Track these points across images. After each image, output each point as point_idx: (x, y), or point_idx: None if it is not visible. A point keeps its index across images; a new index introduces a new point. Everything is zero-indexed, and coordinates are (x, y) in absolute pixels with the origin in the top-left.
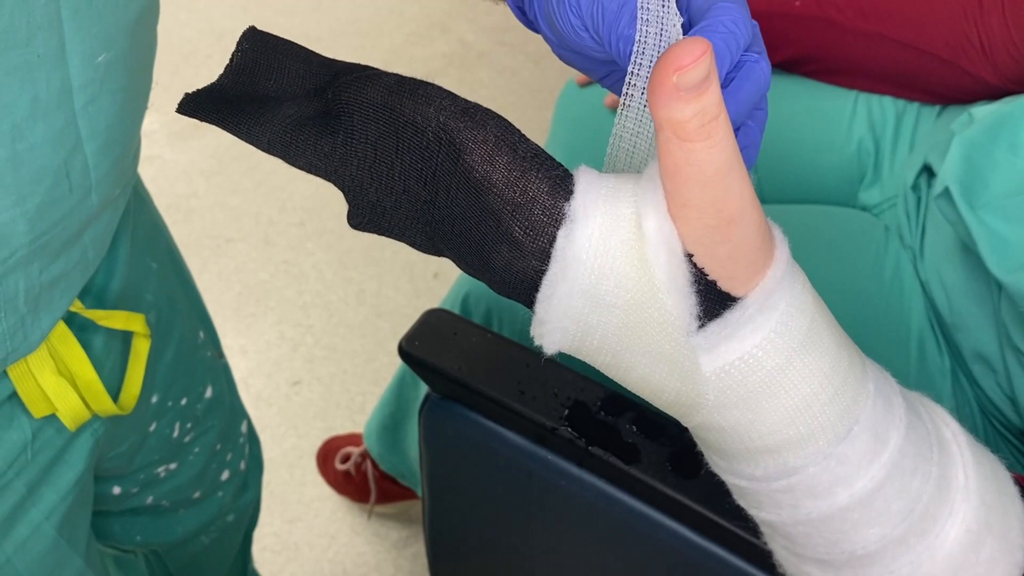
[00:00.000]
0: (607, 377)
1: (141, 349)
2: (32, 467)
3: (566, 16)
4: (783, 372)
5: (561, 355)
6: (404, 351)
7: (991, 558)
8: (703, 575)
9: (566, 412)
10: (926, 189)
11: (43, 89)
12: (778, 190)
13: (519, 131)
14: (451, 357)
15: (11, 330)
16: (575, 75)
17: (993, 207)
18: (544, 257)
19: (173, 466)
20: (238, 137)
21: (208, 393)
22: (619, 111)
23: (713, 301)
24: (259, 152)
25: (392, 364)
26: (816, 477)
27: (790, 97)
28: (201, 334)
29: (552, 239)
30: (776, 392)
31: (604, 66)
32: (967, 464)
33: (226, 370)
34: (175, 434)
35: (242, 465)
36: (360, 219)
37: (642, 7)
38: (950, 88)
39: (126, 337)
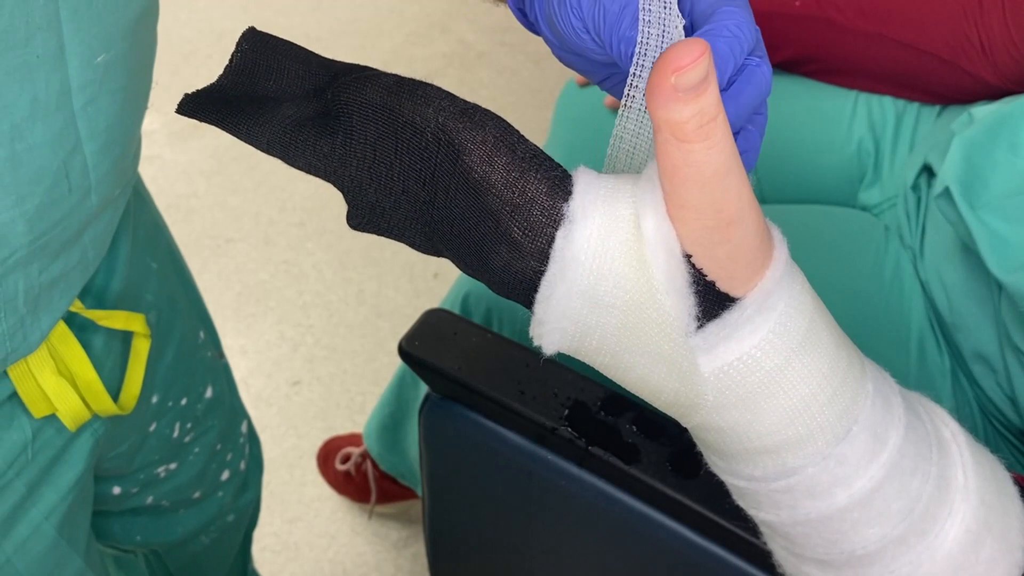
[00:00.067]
0: (607, 377)
1: (141, 349)
2: (32, 467)
3: (567, 18)
4: (782, 373)
5: (561, 355)
6: (404, 351)
7: (991, 558)
8: (703, 575)
9: (566, 412)
10: (926, 189)
11: (42, 90)
12: (778, 190)
13: (518, 132)
14: (451, 357)
15: (11, 330)
16: (575, 75)
17: (993, 207)
18: (543, 258)
19: (173, 466)
20: (237, 138)
21: (208, 393)
22: (620, 112)
23: (712, 302)
24: (259, 152)
25: (392, 364)
26: (815, 477)
27: (790, 97)
28: (201, 334)
29: (551, 240)
30: (775, 393)
31: (604, 68)
32: (966, 464)
33: (226, 370)
34: (175, 434)
35: (242, 465)
36: (359, 219)
37: (644, 8)
38: (950, 88)
39: (126, 337)
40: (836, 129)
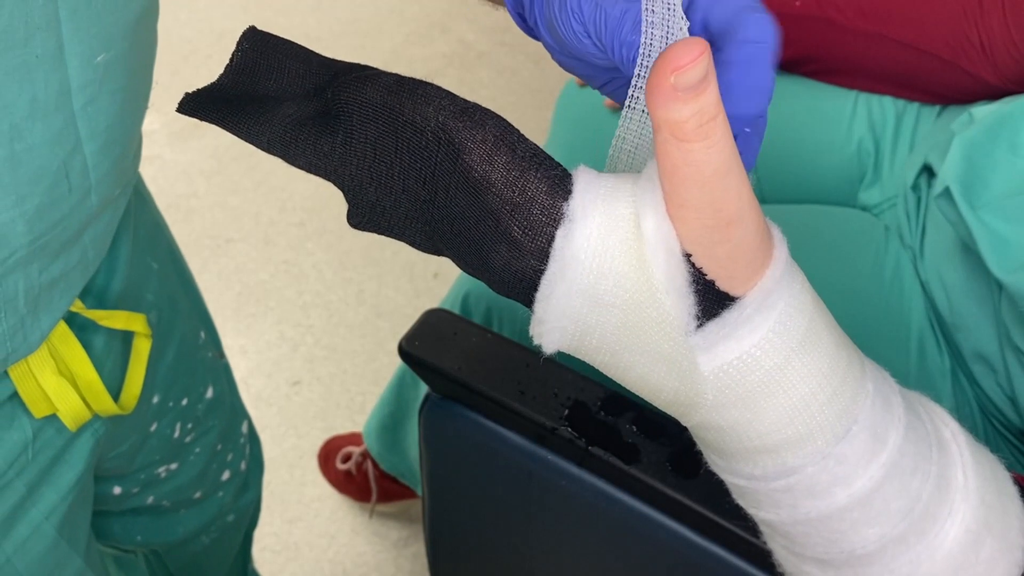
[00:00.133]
0: (607, 377)
1: (142, 349)
2: (32, 467)
3: (568, 22)
4: (781, 372)
5: (561, 355)
6: (404, 351)
7: (991, 558)
8: (703, 575)
9: (566, 412)
10: (926, 189)
11: (42, 90)
12: (778, 190)
13: (518, 131)
14: (451, 357)
15: (11, 331)
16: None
17: (993, 207)
18: (543, 257)
19: (174, 466)
20: (238, 137)
21: (209, 393)
22: (624, 113)
23: (711, 301)
24: (259, 152)
25: (392, 364)
26: (815, 477)
27: (790, 97)
28: (202, 334)
29: (551, 239)
30: (774, 392)
31: (604, 73)
32: (966, 464)
33: (227, 370)
34: (176, 434)
35: (243, 465)
36: (360, 218)
37: (647, 9)
38: (950, 88)
39: (127, 337)
40: (836, 129)
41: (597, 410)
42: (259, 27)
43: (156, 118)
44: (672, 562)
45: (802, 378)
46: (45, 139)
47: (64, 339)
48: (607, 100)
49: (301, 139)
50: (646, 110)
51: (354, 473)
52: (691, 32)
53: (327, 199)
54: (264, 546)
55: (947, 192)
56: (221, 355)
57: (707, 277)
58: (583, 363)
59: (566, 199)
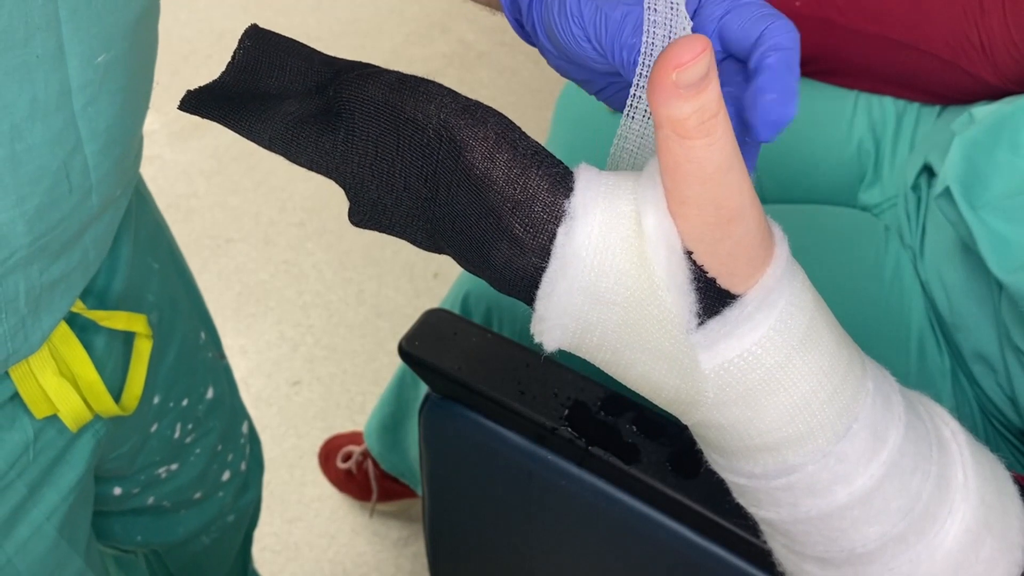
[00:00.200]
0: (607, 377)
1: (143, 350)
2: (34, 468)
3: (567, 26)
4: (782, 370)
5: (561, 354)
6: (404, 351)
7: (990, 557)
8: (703, 575)
9: (566, 412)
10: (926, 189)
11: (42, 90)
12: (778, 190)
13: (519, 129)
14: (451, 357)
15: (12, 331)
16: None
17: (994, 207)
18: (544, 254)
19: (174, 467)
20: (239, 134)
21: (209, 394)
22: (625, 112)
23: (712, 298)
24: (259, 152)
25: (392, 364)
26: (815, 475)
27: None
28: (202, 335)
29: (552, 236)
30: (775, 390)
31: (602, 78)
32: (966, 463)
33: (227, 371)
34: (176, 435)
35: (243, 466)
36: (361, 216)
37: (650, 8)
38: (950, 88)
39: (127, 338)
40: (836, 129)
41: (597, 410)
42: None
43: (156, 118)
44: (672, 562)
45: (803, 376)
46: (45, 139)
47: (65, 340)
48: None
49: (303, 137)
50: (648, 110)
51: (354, 472)
52: None
53: (327, 199)
54: (264, 546)
55: (947, 192)
56: (221, 356)
57: (708, 274)
58: (583, 363)
59: (567, 196)
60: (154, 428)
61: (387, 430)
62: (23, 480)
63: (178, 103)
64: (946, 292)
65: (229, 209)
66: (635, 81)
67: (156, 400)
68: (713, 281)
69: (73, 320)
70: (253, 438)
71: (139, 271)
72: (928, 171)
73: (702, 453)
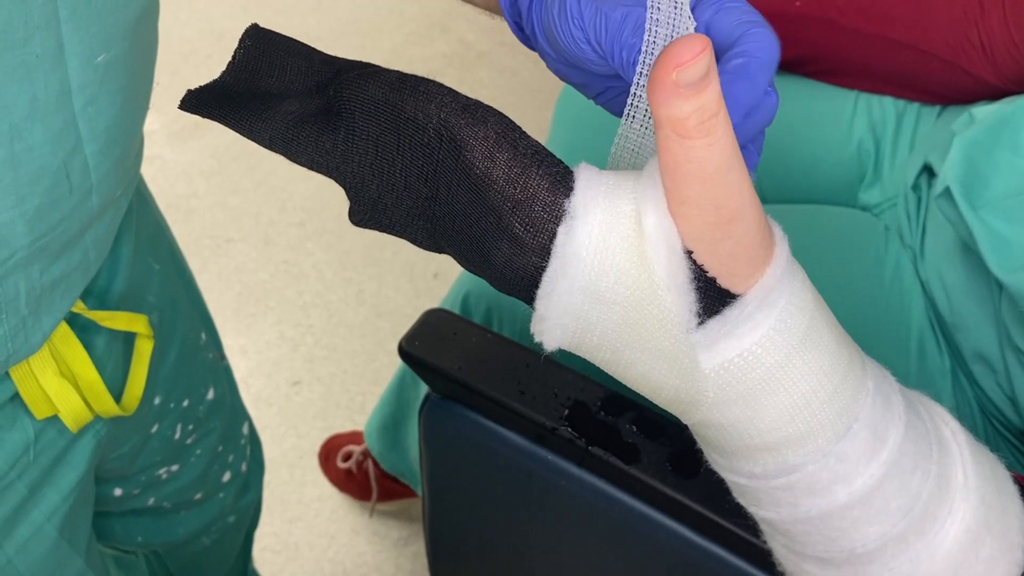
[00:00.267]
0: (607, 377)
1: (144, 350)
2: (34, 468)
3: (567, 28)
4: (782, 369)
5: (561, 354)
6: (404, 351)
7: (990, 557)
8: (703, 575)
9: (566, 412)
10: (926, 189)
11: (41, 90)
12: (778, 190)
13: (519, 128)
14: (451, 357)
15: (12, 332)
16: None
17: (994, 207)
18: (544, 253)
19: (175, 468)
20: (240, 133)
21: (210, 395)
22: (626, 112)
23: (713, 298)
24: (259, 152)
25: (392, 364)
26: (815, 475)
27: (790, 97)
28: (203, 335)
29: (552, 235)
30: (775, 389)
31: (601, 82)
32: (966, 463)
33: (228, 372)
34: (177, 436)
35: (243, 467)
36: (361, 216)
37: (652, 7)
38: (951, 88)
39: (128, 338)
40: (836, 129)
41: (597, 410)
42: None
43: (156, 118)
44: (672, 562)
45: (803, 376)
46: (45, 139)
47: (66, 340)
48: None
49: (303, 136)
50: (648, 110)
51: (354, 472)
52: None
53: (327, 199)
54: (264, 546)
55: (947, 192)
56: (222, 356)
57: (708, 274)
58: (583, 363)
59: (568, 196)
60: (155, 429)
61: (387, 430)
62: (24, 480)
63: (178, 103)
64: (946, 292)
65: (229, 209)
66: (635, 80)
67: (157, 401)
68: (713, 281)
69: (74, 320)
70: (254, 439)
71: (140, 272)
72: (928, 171)
73: (702, 453)
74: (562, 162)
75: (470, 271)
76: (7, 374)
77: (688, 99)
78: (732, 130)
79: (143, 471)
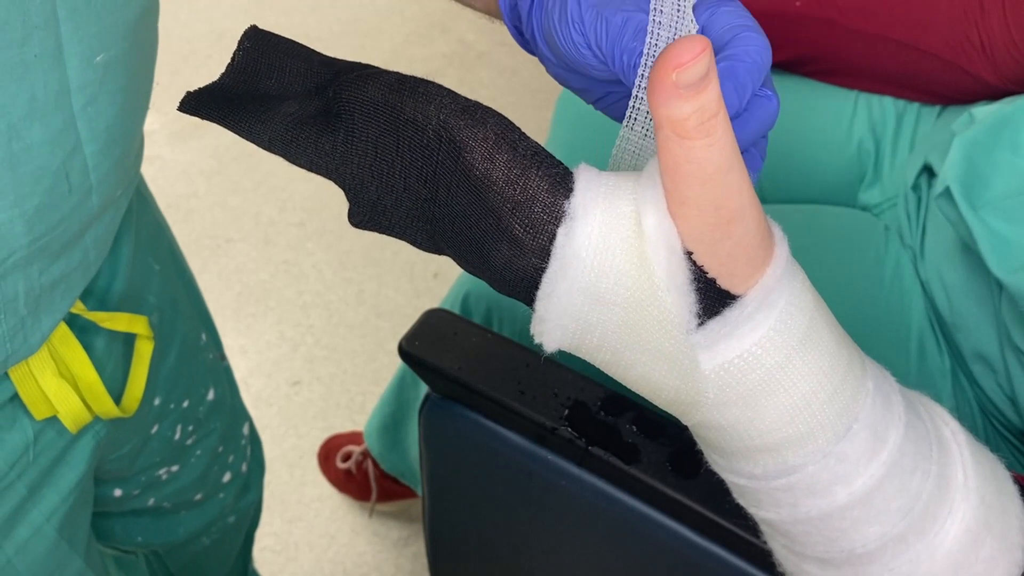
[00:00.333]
0: (607, 377)
1: (144, 351)
2: (33, 468)
3: (568, 33)
4: (782, 370)
5: (561, 354)
6: (404, 351)
7: (990, 557)
8: (703, 575)
9: (566, 412)
10: (926, 189)
11: (40, 89)
12: (778, 190)
13: (519, 129)
14: (451, 357)
15: (11, 332)
16: None
17: (994, 207)
18: (544, 255)
19: (175, 468)
20: (239, 135)
21: (210, 395)
22: (628, 114)
23: (712, 299)
24: (259, 152)
25: (392, 364)
26: (815, 475)
27: (790, 97)
28: (203, 336)
29: (552, 237)
30: (775, 390)
31: (601, 87)
32: (966, 463)
33: (228, 372)
34: (177, 436)
35: (244, 467)
36: (361, 217)
37: (655, 9)
38: (951, 88)
39: (128, 339)
40: (836, 129)
41: (597, 410)
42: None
43: (156, 118)
44: (672, 562)
45: (803, 376)
46: (44, 139)
47: (65, 341)
48: None
49: (302, 138)
50: (649, 113)
51: (354, 472)
52: None
53: (327, 199)
54: (264, 546)
55: (947, 192)
56: (222, 357)
57: (708, 275)
58: (583, 363)
59: (567, 197)
60: (155, 430)
61: (387, 430)
62: (23, 481)
63: (177, 105)
64: (946, 292)
65: (229, 209)
66: (636, 82)
67: (157, 402)
68: (713, 281)
69: (73, 321)
70: (254, 439)
71: (140, 272)
72: (928, 171)
73: (702, 453)
74: (562, 163)
75: (470, 272)
76: (6, 375)
77: (688, 100)
78: (732, 131)
79: (143, 472)
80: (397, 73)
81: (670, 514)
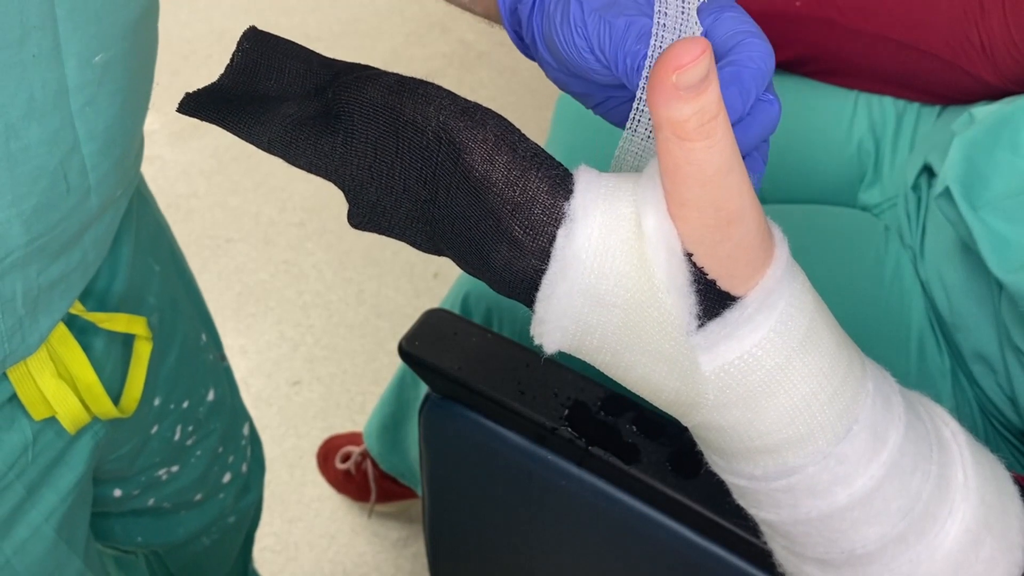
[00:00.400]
0: (607, 377)
1: (143, 352)
2: (32, 469)
3: (570, 37)
4: (782, 371)
5: (561, 355)
6: (404, 351)
7: (990, 557)
8: (703, 575)
9: (566, 412)
10: (926, 189)
11: (38, 89)
12: (778, 190)
13: (519, 130)
14: (451, 357)
15: (9, 332)
16: None
17: (994, 207)
18: (544, 256)
19: (175, 469)
20: (238, 136)
21: (210, 396)
22: (631, 116)
23: (713, 300)
24: (259, 152)
25: (392, 364)
26: (815, 476)
27: (790, 97)
28: (203, 336)
29: (552, 238)
30: (775, 391)
31: (601, 91)
32: (966, 463)
33: (228, 372)
34: (177, 437)
35: (244, 467)
36: (360, 218)
37: (659, 12)
38: (950, 88)
39: (127, 340)
40: (836, 129)
41: (597, 410)
42: (259, 27)
43: (156, 118)
44: (672, 562)
45: (803, 378)
46: (42, 139)
47: (63, 341)
48: None
49: (302, 139)
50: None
51: (353, 473)
52: None
53: (327, 199)
54: (264, 546)
55: (947, 192)
56: (222, 357)
57: (708, 276)
58: (583, 363)
59: (567, 199)
60: (154, 430)
61: (387, 430)
62: (21, 481)
63: (176, 106)
64: (946, 292)
65: (229, 209)
66: (640, 84)
67: (157, 402)
68: (713, 283)
69: (72, 322)
70: (254, 439)
71: (140, 272)
72: (928, 171)
73: (702, 454)
74: (561, 164)
75: (469, 274)
76: (4, 375)
77: (688, 101)
78: (732, 132)
79: (143, 472)
80: (396, 74)
81: (670, 514)
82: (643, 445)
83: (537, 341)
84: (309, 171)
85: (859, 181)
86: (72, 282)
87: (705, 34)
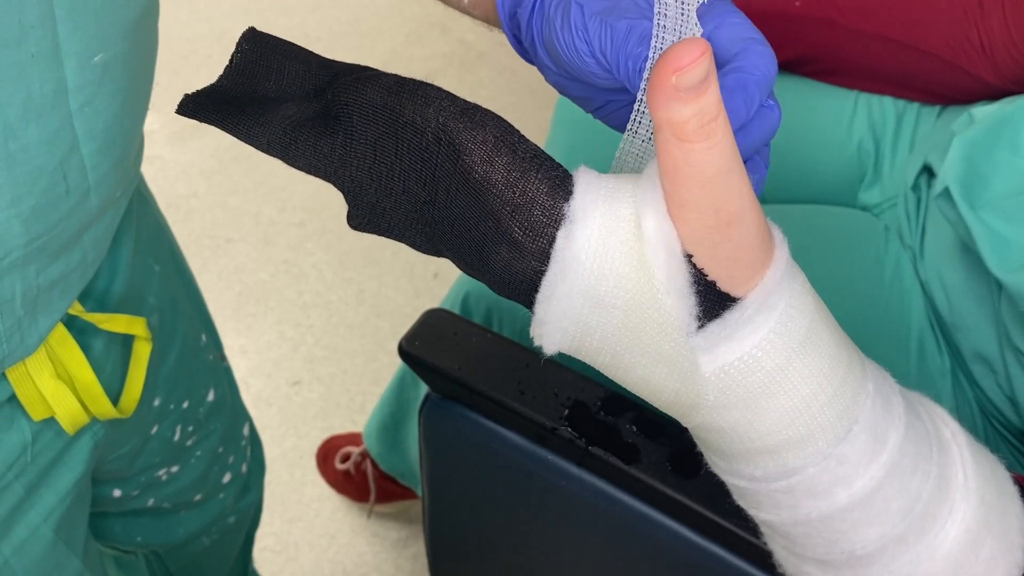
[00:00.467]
0: (607, 377)
1: (142, 353)
2: (31, 469)
3: (571, 40)
4: (782, 372)
5: (561, 355)
6: (404, 351)
7: (991, 557)
8: (703, 575)
9: (566, 412)
10: (926, 189)
11: (37, 89)
12: (778, 190)
13: (518, 132)
14: (451, 357)
15: (8, 332)
16: None
17: (994, 207)
18: (544, 258)
19: (175, 469)
20: (237, 138)
21: (210, 396)
22: (632, 117)
23: (712, 301)
24: (259, 152)
25: (392, 364)
26: (815, 477)
27: (790, 97)
28: (203, 337)
29: (551, 240)
30: (775, 392)
31: (602, 95)
32: (966, 464)
33: (228, 373)
34: (176, 437)
35: (244, 467)
36: (360, 220)
37: (659, 13)
38: (950, 88)
39: (127, 340)
40: (836, 129)
41: (597, 410)
42: (259, 28)
43: (156, 118)
44: (672, 562)
45: (803, 379)
46: (41, 139)
47: (62, 342)
48: None
49: (301, 140)
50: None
51: (353, 473)
52: None
53: (327, 199)
54: (264, 546)
55: (947, 192)
56: (222, 357)
57: (708, 278)
58: (583, 363)
59: (567, 200)
60: (154, 430)
61: (387, 430)
62: (20, 482)
63: (176, 107)
64: (946, 292)
65: (229, 209)
66: (641, 86)
67: (156, 402)
68: (713, 284)
69: (72, 323)
70: (254, 440)
71: (140, 273)
72: (928, 171)
73: (702, 454)
74: (561, 166)
75: (469, 275)
76: (3, 375)
77: (687, 103)
78: (731, 134)
79: (143, 472)
80: (396, 75)
81: (670, 514)
82: (643, 445)
83: (537, 342)
84: (308, 172)
85: (859, 181)
86: (71, 282)
87: (708, 39)
